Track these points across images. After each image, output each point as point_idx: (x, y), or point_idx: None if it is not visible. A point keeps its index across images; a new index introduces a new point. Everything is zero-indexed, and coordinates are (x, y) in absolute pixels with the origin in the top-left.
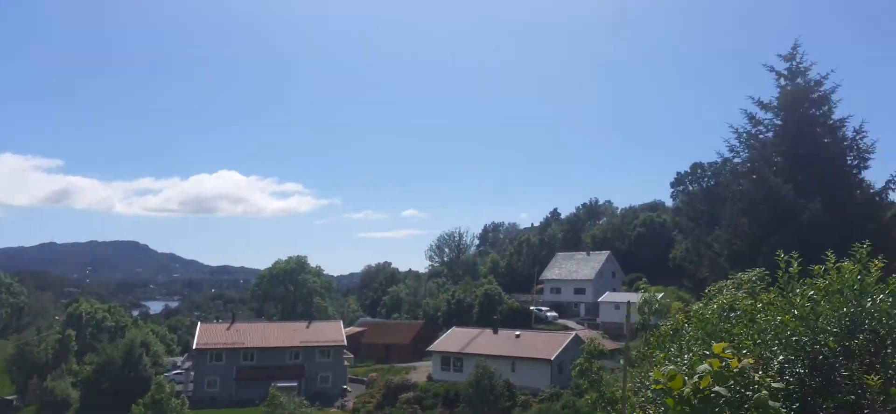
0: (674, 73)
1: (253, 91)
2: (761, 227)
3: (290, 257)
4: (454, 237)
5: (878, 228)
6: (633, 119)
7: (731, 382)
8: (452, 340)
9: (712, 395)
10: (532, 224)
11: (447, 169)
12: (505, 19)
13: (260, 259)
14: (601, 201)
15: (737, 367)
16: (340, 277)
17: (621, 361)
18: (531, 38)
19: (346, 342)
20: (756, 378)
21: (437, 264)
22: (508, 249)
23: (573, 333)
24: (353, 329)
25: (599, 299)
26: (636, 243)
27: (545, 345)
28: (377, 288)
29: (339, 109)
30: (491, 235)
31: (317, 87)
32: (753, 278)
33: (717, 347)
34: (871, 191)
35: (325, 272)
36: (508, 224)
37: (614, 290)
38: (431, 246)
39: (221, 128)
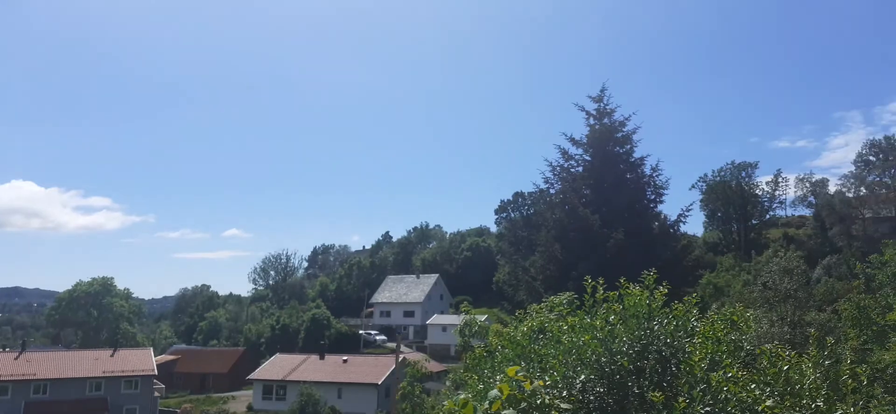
0: (502, 105)
1: (55, 92)
2: (572, 253)
3: (94, 278)
4: (281, 259)
5: (672, 255)
6: (464, 146)
7: (524, 404)
8: (276, 367)
9: None
10: (364, 247)
11: (275, 187)
12: (336, 38)
13: (58, 280)
14: (432, 225)
15: (529, 389)
16: (152, 301)
17: (447, 383)
18: (362, 60)
19: (156, 371)
20: (547, 400)
21: (261, 288)
22: (339, 271)
23: (401, 356)
24: (166, 357)
25: (428, 322)
26: (464, 267)
27: (372, 369)
28: (194, 313)
29: (155, 117)
30: (321, 257)
31: (131, 89)
32: (563, 301)
33: (510, 370)
34: (668, 222)
35: (134, 295)
36: (339, 246)
37: (442, 312)
38: (256, 268)
39: (15, 131)
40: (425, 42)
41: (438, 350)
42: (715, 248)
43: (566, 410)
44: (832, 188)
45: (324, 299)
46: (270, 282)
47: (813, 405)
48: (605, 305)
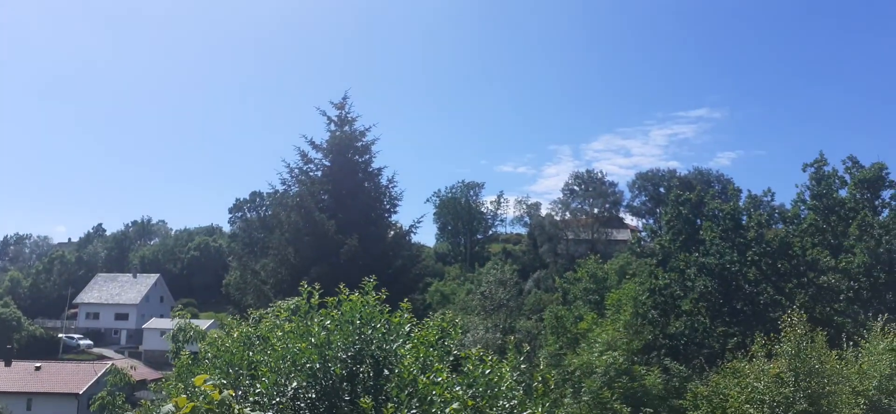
0: (242, 100)
1: None
2: (305, 258)
3: None
4: None
5: (404, 263)
6: (198, 136)
7: None
8: None
9: None
10: (69, 239)
11: None
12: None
13: None
14: (155, 220)
15: (217, 398)
16: None
17: (164, 393)
18: (85, 23)
19: None
20: (237, 409)
21: None
22: (36, 266)
23: (109, 362)
24: None
25: (144, 326)
26: (190, 267)
27: (72, 378)
28: None
29: None
30: (12, 248)
31: None
32: (290, 307)
33: (197, 380)
34: (401, 232)
35: None
36: (38, 237)
37: (163, 316)
38: None
39: None
40: (159, 15)
41: (156, 357)
42: (444, 258)
43: None
44: (544, 211)
45: (15, 297)
46: None
47: (508, 405)
48: (322, 311)
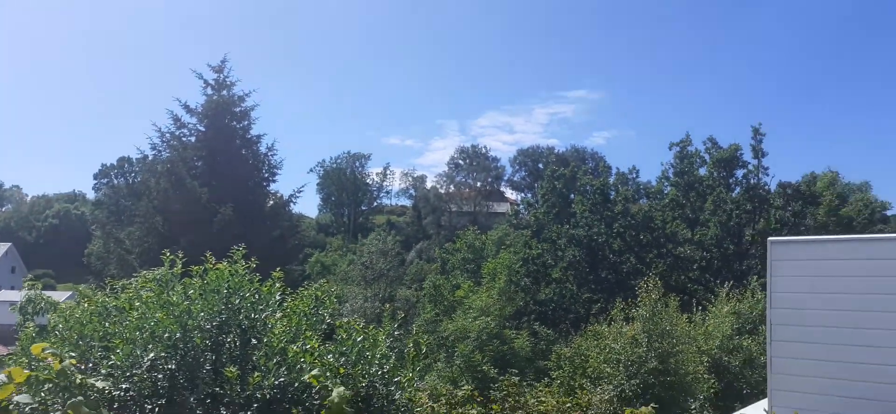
0: (104, 56)
1: None
2: (175, 227)
3: None
4: None
5: (282, 233)
6: (58, 97)
7: (49, 385)
8: None
9: (13, 406)
10: None
11: None
12: None
13: None
14: (7, 185)
15: (58, 368)
16: None
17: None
18: None
19: None
20: (79, 379)
21: None
22: None
23: None
24: None
25: None
26: (48, 236)
27: None
28: None
29: None
30: None
31: None
32: (156, 277)
33: (35, 348)
34: (280, 201)
35: None
36: None
37: (14, 287)
38: None
39: None
40: None
41: (5, 331)
42: (327, 229)
43: (102, 389)
44: (429, 184)
45: None
46: None
47: (381, 371)
48: (185, 280)
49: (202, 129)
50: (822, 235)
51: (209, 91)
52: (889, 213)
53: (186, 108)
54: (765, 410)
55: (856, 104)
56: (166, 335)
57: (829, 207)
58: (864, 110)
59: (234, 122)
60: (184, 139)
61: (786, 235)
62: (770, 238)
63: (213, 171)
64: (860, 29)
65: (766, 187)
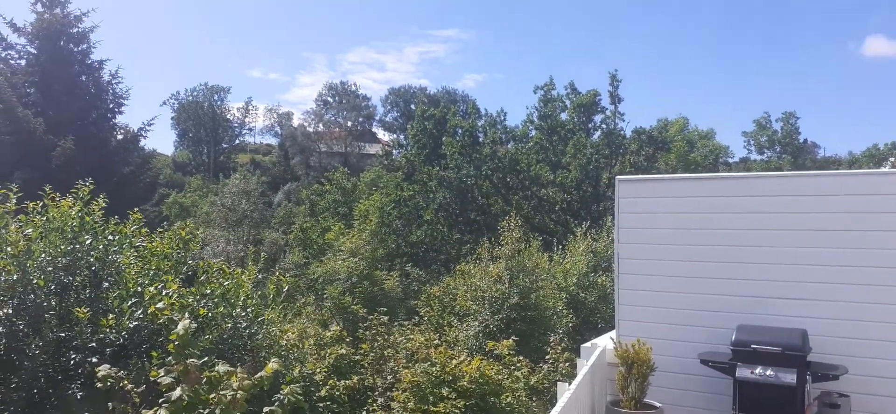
0: None
1: None
2: (6, 162)
3: None
4: None
5: (133, 171)
6: None
7: None
8: None
9: None
10: None
11: None
12: None
13: None
14: None
15: None
16: None
17: None
18: None
19: None
20: None
21: None
22: None
23: None
24: None
25: None
26: None
27: None
28: None
29: None
30: None
31: None
32: None
33: None
34: (130, 135)
35: None
36: None
37: None
38: None
39: None
40: None
41: None
42: (184, 168)
43: None
44: (296, 122)
45: None
46: None
47: (245, 312)
48: (21, 217)
49: (33, 51)
50: None
51: (39, 8)
52: (732, 160)
53: (12, 26)
54: (611, 338)
55: (703, 55)
56: (2, 278)
57: (678, 153)
58: (711, 60)
59: (71, 45)
60: (12, 62)
61: None
62: (618, 176)
63: (47, 99)
64: None
65: (623, 133)
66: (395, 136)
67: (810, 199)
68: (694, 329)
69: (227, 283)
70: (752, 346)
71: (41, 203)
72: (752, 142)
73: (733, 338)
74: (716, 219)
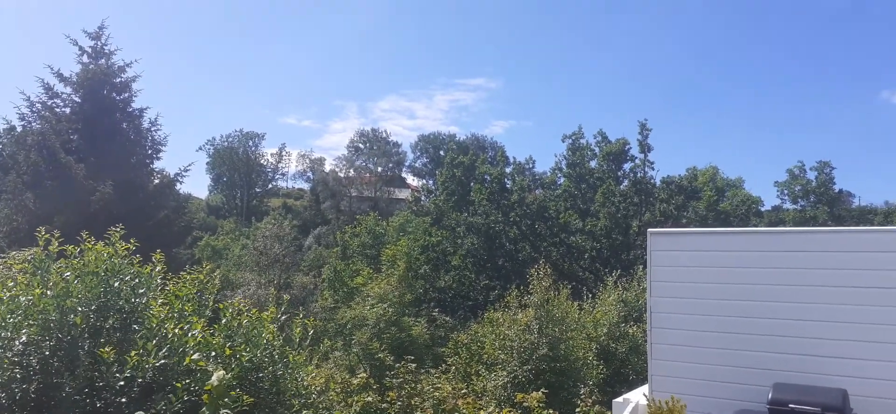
0: None
1: None
2: (48, 205)
3: None
4: None
5: (168, 214)
6: None
7: None
8: None
9: None
10: None
11: None
12: None
13: None
14: None
15: None
16: None
17: None
18: None
19: None
20: None
21: None
22: None
23: None
24: None
25: None
26: None
27: None
28: None
29: None
30: None
31: None
32: (26, 257)
33: None
34: (166, 180)
35: None
36: None
37: None
38: None
39: None
40: None
41: None
42: (218, 211)
43: None
44: (328, 167)
45: None
46: None
47: (268, 353)
48: (61, 260)
49: (78, 100)
50: (700, 227)
51: (85, 59)
52: (763, 208)
53: (59, 76)
54: (644, 394)
55: (732, 105)
56: (42, 316)
57: (708, 202)
58: (740, 111)
59: (114, 94)
60: (57, 110)
61: (668, 227)
62: (649, 229)
63: (90, 145)
64: (739, 36)
65: (652, 181)
66: (424, 181)
67: (845, 255)
68: (728, 386)
69: (245, 322)
70: (790, 405)
71: (78, 247)
72: (786, 191)
73: (770, 396)
74: (750, 274)
